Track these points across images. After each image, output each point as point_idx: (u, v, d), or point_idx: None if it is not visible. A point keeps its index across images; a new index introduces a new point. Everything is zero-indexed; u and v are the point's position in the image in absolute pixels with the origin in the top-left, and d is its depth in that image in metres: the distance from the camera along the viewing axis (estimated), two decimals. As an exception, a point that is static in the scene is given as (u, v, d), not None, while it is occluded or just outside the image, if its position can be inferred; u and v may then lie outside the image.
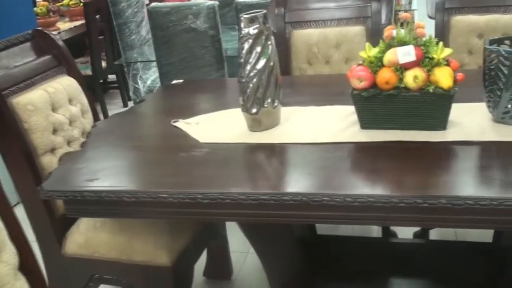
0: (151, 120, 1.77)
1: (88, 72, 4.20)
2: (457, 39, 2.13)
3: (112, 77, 4.99)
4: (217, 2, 2.60)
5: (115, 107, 4.65)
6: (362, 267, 1.83)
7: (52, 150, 1.68)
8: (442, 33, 2.16)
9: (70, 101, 1.80)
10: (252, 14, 1.47)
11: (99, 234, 1.66)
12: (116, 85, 4.83)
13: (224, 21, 3.22)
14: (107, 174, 1.39)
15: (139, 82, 3.49)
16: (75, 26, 4.55)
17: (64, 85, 1.79)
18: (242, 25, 1.47)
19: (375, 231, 2.13)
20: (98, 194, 1.29)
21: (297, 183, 1.24)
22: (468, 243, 1.92)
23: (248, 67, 1.48)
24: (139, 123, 1.75)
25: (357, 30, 2.20)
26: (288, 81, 2.13)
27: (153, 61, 2.93)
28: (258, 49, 1.47)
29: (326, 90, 1.85)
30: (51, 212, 1.64)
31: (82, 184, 1.35)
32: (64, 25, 4.65)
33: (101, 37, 4.41)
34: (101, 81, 4.86)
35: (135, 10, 3.46)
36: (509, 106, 1.37)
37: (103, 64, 4.40)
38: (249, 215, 1.22)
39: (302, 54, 2.26)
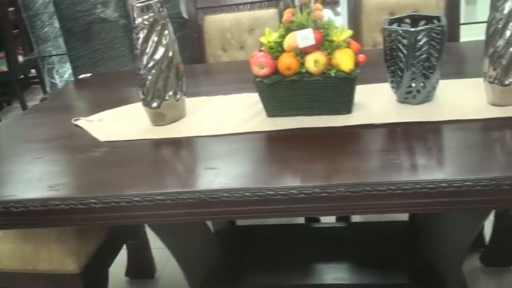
0: (52, 120, 1.66)
1: (4, 68, 3.98)
2: (369, 19, 2.12)
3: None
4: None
5: (38, 104, 4.43)
6: (285, 253, 1.81)
7: None
8: (355, 13, 2.15)
9: (-38, 103, 1.67)
10: (146, 2, 1.38)
11: (1, 244, 1.55)
12: (38, 80, 4.61)
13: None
14: (-3, 183, 1.29)
15: (56, 76, 3.33)
16: (-13, 20, 4.29)
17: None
18: (135, 14, 1.38)
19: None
20: (-17, 206, 1.19)
21: (196, 179, 1.18)
22: (386, 223, 1.93)
23: (145, 58, 1.40)
24: (39, 123, 1.64)
25: (270, 13, 2.15)
26: (201, 70, 2.07)
27: (65, 54, 2.78)
28: (155, 38, 1.40)
29: (237, 77, 1.79)
30: None
31: (-34, 195, 1.24)
32: (-24, 19, 4.37)
33: (17, 30, 4.18)
34: (22, 76, 4.65)
35: (46, 0, 3.27)
36: (413, 85, 1.35)
37: (20, 59, 4.17)
38: (146, 217, 1.15)
39: (216, 41, 2.20)
